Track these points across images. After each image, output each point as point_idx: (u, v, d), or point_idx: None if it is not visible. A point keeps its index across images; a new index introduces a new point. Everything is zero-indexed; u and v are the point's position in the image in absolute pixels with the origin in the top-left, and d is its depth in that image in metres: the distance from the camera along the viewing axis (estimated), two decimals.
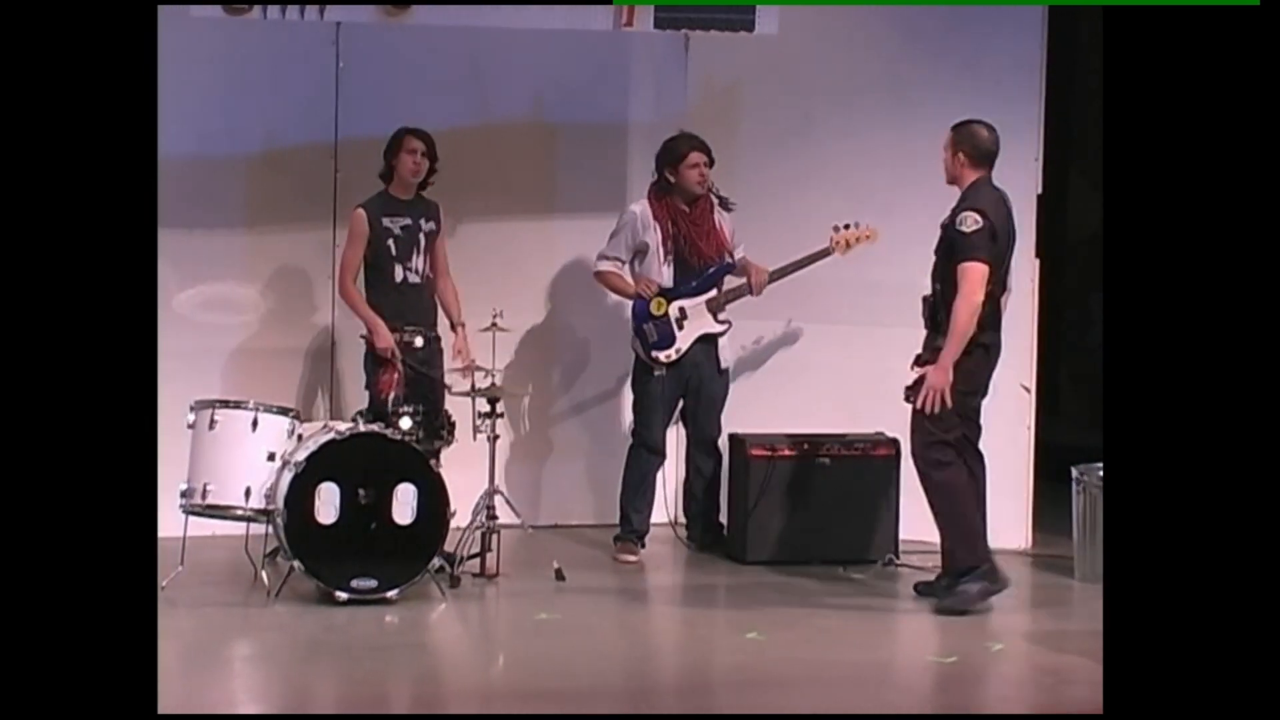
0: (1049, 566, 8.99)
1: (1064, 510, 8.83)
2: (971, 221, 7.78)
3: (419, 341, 8.52)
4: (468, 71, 9.56)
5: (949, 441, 7.90)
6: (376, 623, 7.63)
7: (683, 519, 9.41)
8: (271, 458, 7.92)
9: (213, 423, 7.97)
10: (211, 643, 7.41)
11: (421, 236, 8.59)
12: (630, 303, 9.06)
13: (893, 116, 9.27)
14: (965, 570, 7.92)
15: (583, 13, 8.69)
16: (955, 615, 7.82)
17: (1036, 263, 9.16)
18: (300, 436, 8.02)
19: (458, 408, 8.51)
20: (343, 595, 7.74)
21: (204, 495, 7.93)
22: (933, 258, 8.01)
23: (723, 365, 9.09)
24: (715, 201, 9.07)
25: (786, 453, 8.99)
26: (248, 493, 7.91)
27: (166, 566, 7.35)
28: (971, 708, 6.83)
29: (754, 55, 9.45)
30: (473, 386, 8.39)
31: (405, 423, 7.98)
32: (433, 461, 7.96)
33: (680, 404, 9.13)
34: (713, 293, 9.01)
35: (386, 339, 8.42)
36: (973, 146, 7.94)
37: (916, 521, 8.49)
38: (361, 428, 7.98)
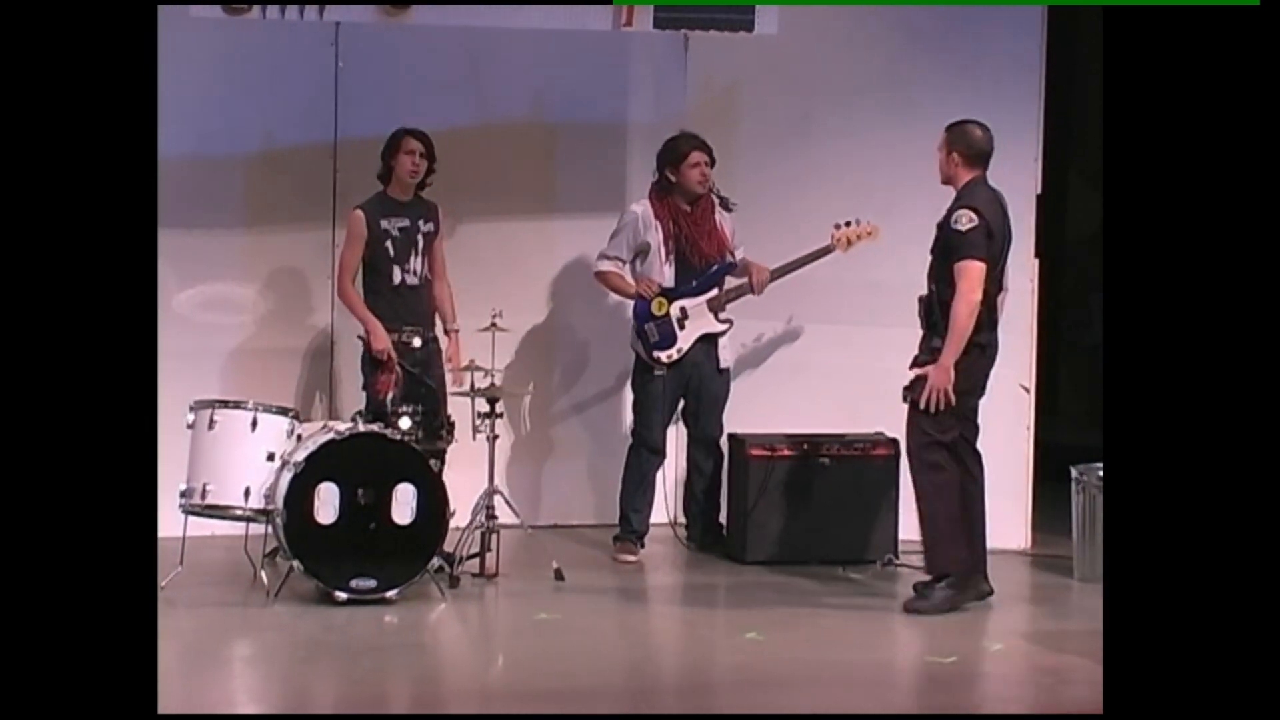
0: (1048, 566, 8.99)
1: (1063, 510, 8.83)
2: (967, 220, 7.78)
3: (416, 342, 8.52)
4: (467, 71, 9.56)
5: (944, 443, 7.90)
6: (376, 623, 7.63)
7: (682, 519, 9.41)
8: (271, 458, 7.92)
9: (212, 423, 7.97)
10: (211, 643, 7.40)
11: (420, 238, 8.59)
12: (631, 302, 9.05)
13: (892, 116, 9.27)
14: (939, 576, 7.92)
15: (582, 13, 8.69)
16: (919, 615, 7.82)
17: (1036, 262, 9.16)
18: (299, 436, 8.02)
19: (457, 408, 8.51)
20: (342, 595, 7.74)
21: (203, 495, 7.93)
22: (930, 258, 8.02)
23: (723, 365, 9.09)
24: (716, 201, 9.07)
25: (786, 453, 8.99)
26: (247, 493, 7.91)
27: (166, 566, 7.35)
28: (971, 708, 6.82)
29: (753, 55, 9.45)
30: (472, 386, 8.39)
31: (405, 423, 7.98)
32: (434, 462, 7.95)
33: (680, 404, 9.12)
34: (714, 292, 9.01)
35: (383, 340, 8.42)
36: (966, 146, 7.93)
37: (916, 522, 8.48)
38: (361, 428, 7.98)
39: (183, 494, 7.93)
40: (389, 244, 8.52)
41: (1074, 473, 8.66)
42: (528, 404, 9.76)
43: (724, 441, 9.19)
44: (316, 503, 7.76)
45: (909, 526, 8.75)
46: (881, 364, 8.65)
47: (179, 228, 8.84)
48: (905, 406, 7.95)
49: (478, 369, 8.40)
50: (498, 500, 8.39)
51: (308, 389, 9.45)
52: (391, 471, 7.84)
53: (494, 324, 8.44)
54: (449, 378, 8.61)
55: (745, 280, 9.01)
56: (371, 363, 8.47)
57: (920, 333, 8.00)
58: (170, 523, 7.48)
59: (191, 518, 7.97)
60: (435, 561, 7.96)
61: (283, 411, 8.09)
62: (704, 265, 8.99)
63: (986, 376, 8.03)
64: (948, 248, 7.83)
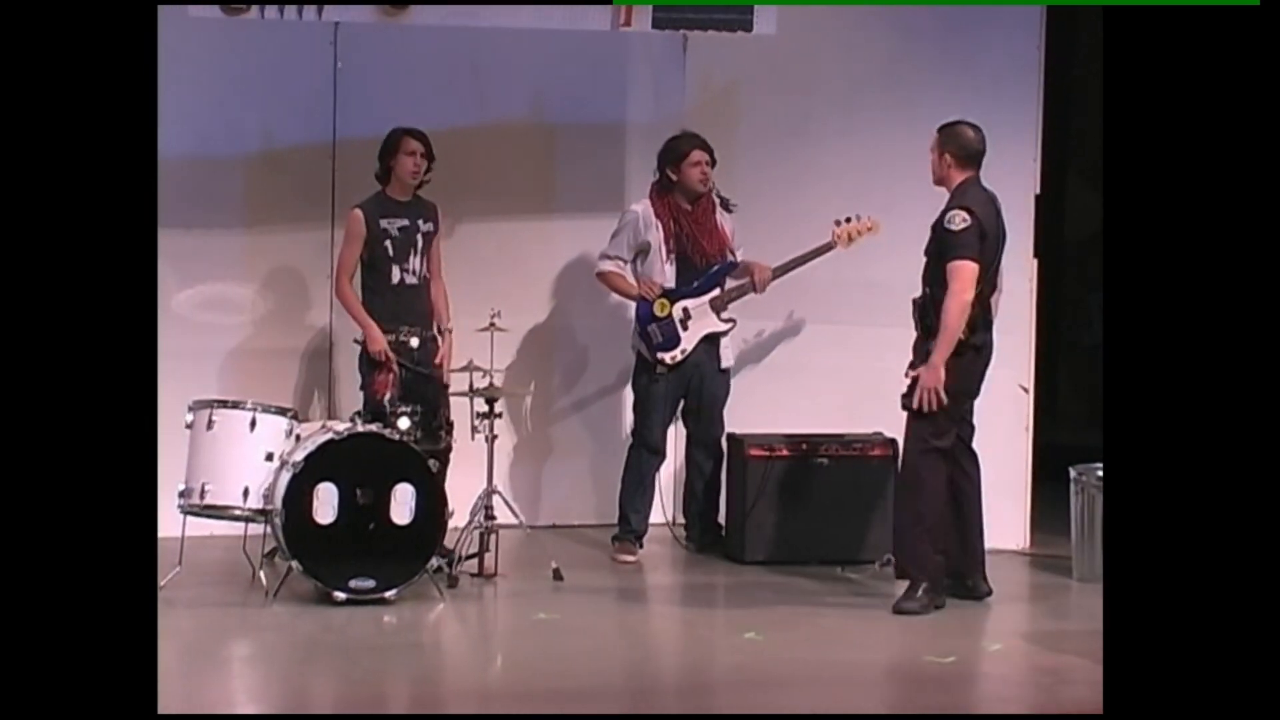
0: (1047, 566, 9.00)
1: (1062, 510, 8.84)
2: (960, 220, 7.78)
3: (414, 342, 8.52)
4: (466, 71, 9.56)
5: (942, 450, 7.90)
6: (375, 623, 7.63)
7: (681, 519, 9.41)
8: (270, 458, 7.92)
9: (211, 423, 7.97)
10: (209, 643, 7.40)
11: (419, 237, 8.59)
12: (633, 303, 9.05)
13: (891, 116, 9.26)
14: (914, 582, 7.93)
15: (581, 13, 8.69)
16: (907, 615, 7.83)
17: (1035, 263, 9.17)
18: (298, 436, 8.02)
19: (456, 408, 8.51)
20: (341, 595, 7.74)
21: (202, 495, 7.93)
22: (924, 259, 8.03)
23: (724, 364, 9.10)
24: (717, 202, 9.07)
25: (785, 453, 9.00)
26: (246, 493, 7.90)
27: (165, 566, 7.34)
28: (970, 708, 6.82)
29: (752, 55, 9.45)
30: (471, 387, 8.39)
31: (403, 423, 7.97)
32: (433, 462, 7.94)
33: (681, 403, 9.12)
34: (716, 292, 9.01)
35: (379, 341, 8.41)
36: (959, 147, 7.94)
37: None
38: (360, 428, 7.97)
39: (181, 494, 7.93)
40: (388, 243, 8.52)
41: (1073, 473, 8.66)
42: (528, 404, 9.76)
43: (724, 441, 9.19)
44: (315, 503, 7.75)
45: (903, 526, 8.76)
46: (880, 364, 8.64)
47: (178, 228, 8.84)
48: (900, 409, 7.96)
49: (477, 369, 8.40)
50: (496, 500, 8.38)
51: (306, 389, 9.45)
52: (390, 472, 7.84)
53: (493, 324, 8.43)
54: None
55: (747, 279, 9.01)
56: (370, 363, 8.47)
57: (916, 334, 8.00)
58: (169, 523, 7.47)
59: (190, 518, 7.97)
60: (434, 561, 7.95)
61: (281, 411, 8.09)
62: (705, 264, 9.00)
63: (982, 377, 8.04)
64: (941, 248, 7.84)
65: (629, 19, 8.71)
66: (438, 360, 8.62)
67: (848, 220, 8.92)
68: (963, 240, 7.76)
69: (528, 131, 9.70)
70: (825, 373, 9.41)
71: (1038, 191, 9.16)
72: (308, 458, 7.78)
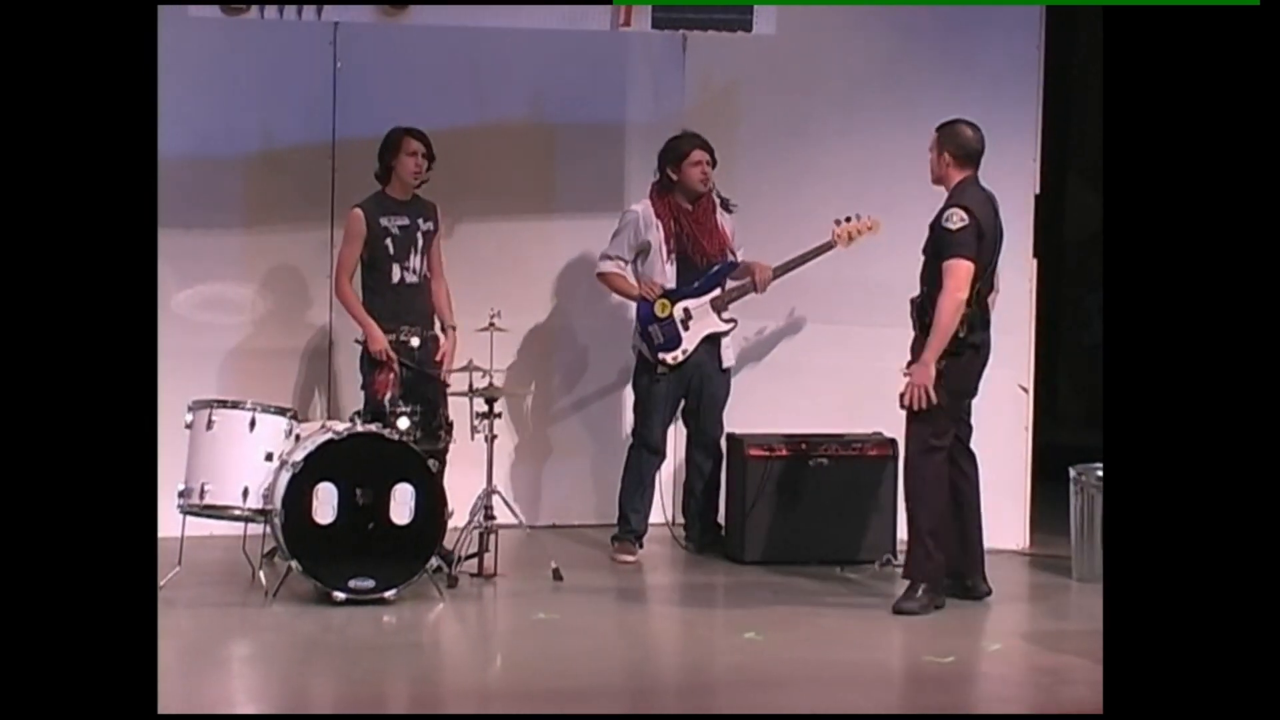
0: (1047, 566, 9.00)
1: (1062, 510, 8.84)
2: (957, 219, 7.78)
3: (415, 341, 8.51)
4: (466, 71, 9.56)
5: (944, 448, 7.90)
6: (374, 623, 7.62)
7: (680, 519, 9.41)
8: (269, 458, 7.92)
9: (210, 423, 7.97)
10: (209, 643, 7.40)
11: (419, 236, 8.59)
12: (633, 303, 9.05)
13: (891, 116, 9.26)
14: (914, 582, 7.93)
15: (581, 13, 8.69)
16: (906, 615, 7.83)
17: (1034, 263, 9.17)
18: (298, 436, 8.02)
19: (456, 408, 8.51)
20: (340, 595, 7.73)
21: (202, 495, 7.92)
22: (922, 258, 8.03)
23: (725, 364, 9.10)
24: (717, 202, 9.07)
25: (784, 453, 8.99)
26: (245, 493, 7.90)
27: (164, 566, 7.33)
28: (969, 708, 6.83)
29: (752, 55, 9.45)
30: (470, 387, 8.39)
31: (403, 423, 7.97)
32: (433, 462, 7.94)
33: (681, 403, 9.12)
34: (716, 292, 9.01)
35: (380, 341, 8.41)
36: (957, 146, 7.94)
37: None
38: (359, 428, 7.97)
39: (181, 494, 7.92)
40: (389, 242, 8.51)
41: (1072, 473, 8.66)
42: (529, 404, 9.76)
43: (723, 441, 9.19)
44: (315, 503, 7.75)
45: (906, 527, 8.76)
46: (880, 364, 8.63)
47: (178, 228, 8.84)
48: (899, 409, 7.95)
49: (476, 369, 8.40)
50: (496, 500, 8.38)
51: (306, 389, 9.45)
52: (390, 472, 7.83)
53: (492, 324, 8.43)
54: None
55: (748, 279, 9.00)
56: (371, 362, 8.46)
57: (914, 334, 8.00)
58: (169, 523, 7.47)
59: (190, 518, 7.97)
60: (434, 561, 7.95)
61: (281, 411, 8.09)
62: (706, 264, 9.00)
63: (980, 376, 8.03)
64: (937, 246, 7.84)
65: (629, 19, 8.71)
66: (439, 358, 8.61)
67: (848, 220, 8.93)
68: (959, 239, 7.76)
69: (528, 131, 9.70)
70: (825, 373, 9.41)
71: (1037, 191, 9.16)
72: (307, 458, 7.78)
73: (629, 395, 9.30)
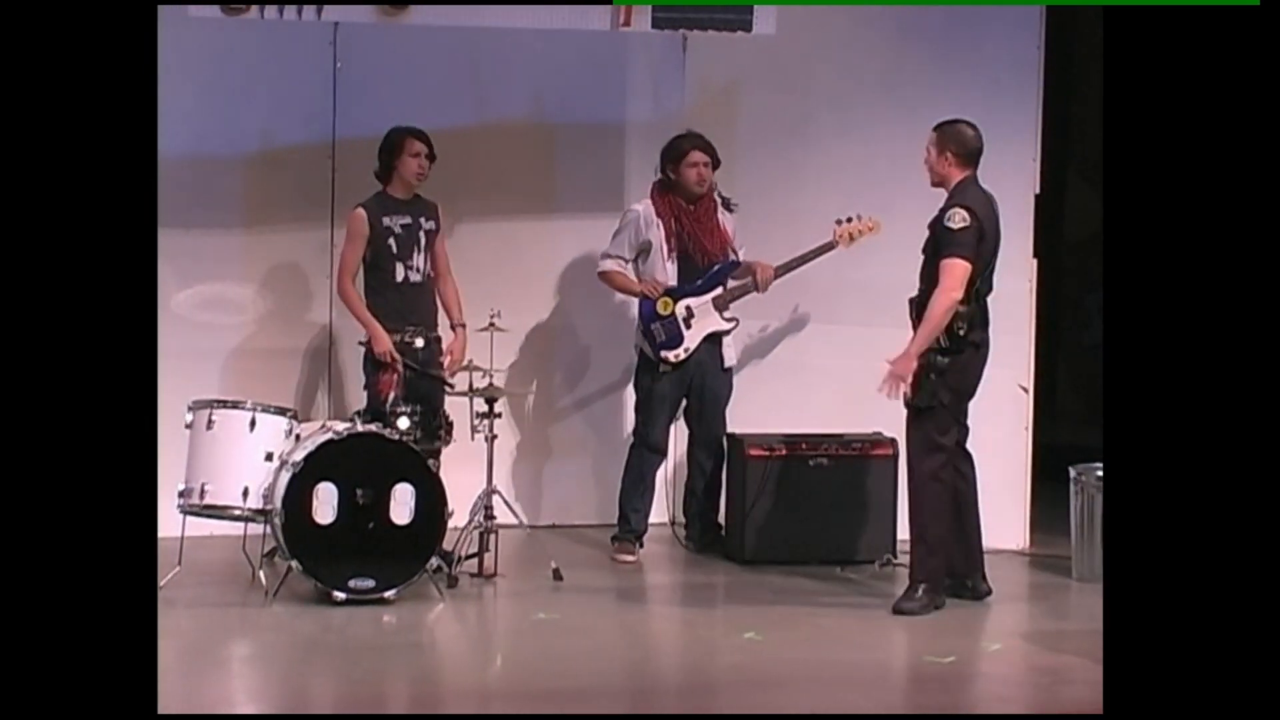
0: (1046, 566, 9.00)
1: (1061, 510, 8.84)
2: (959, 219, 7.78)
3: (419, 342, 8.51)
4: (466, 71, 9.57)
5: (947, 447, 7.90)
6: (374, 623, 7.62)
7: (681, 519, 9.41)
8: (269, 458, 7.92)
9: (210, 423, 7.97)
10: (209, 643, 7.40)
11: (422, 235, 8.58)
12: (636, 302, 9.05)
13: (891, 116, 9.26)
14: (916, 581, 7.93)
15: (581, 13, 8.68)
16: (906, 615, 7.82)
17: (1034, 262, 9.16)
18: (298, 436, 8.02)
19: (456, 408, 8.51)
20: (340, 595, 7.73)
21: (202, 495, 7.92)
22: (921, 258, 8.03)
23: (726, 364, 9.10)
24: (719, 201, 9.07)
25: (784, 452, 8.99)
26: (245, 493, 7.90)
27: (164, 566, 7.33)
28: (969, 708, 6.83)
29: (751, 55, 9.45)
30: (470, 386, 8.39)
31: (403, 423, 7.97)
32: (432, 462, 7.95)
33: (683, 403, 9.12)
34: (718, 291, 9.02)
35: (384, 343, 8.40)
36: (959, 145, 7.93)
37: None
38: (359, 428, 7.97)
39: (181, 494, 7.92)
40: (392, 241, 8.51)
41: (1072, 473, 8.66)
42: (530, 403, 9.76)
43: (725, 441, 9.19)
44: (315, 503, 7.75)
45: (907, 526, 8.75)
46: (880, 364, 8.62)
47: (177, 227, 8.83)
48: (903, 407, 7.95)
49: (476, 369, 8.40)
50: (496, 500, 8.38)
51: (306, 388, 9.44)
52: (390, 471, 7.83)
53: (492, 324, 8.43)
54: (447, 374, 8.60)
55: (749, 279, 9.01)
56: (374, 363, 8.45)
57: (912, 334, 7.99)
58: (169, 523, 7.47)
59: (190, 518, 7.97)
60: (434, 561, 7.95)
61: (281, 411, 8.09)
62: (707, 263, 9.00)
63: (980, 376, 8.02)
64: (937, 244, 7.84)
65: (629, 19, 8.71)
66: (445, 358, 8.59)
67: (849, 220, 8.93)
68: (960, 239, 7.76)
69: (528, 131, 9.70)
70: (825, 373, 9.41)
71: (1037, 191, 9.16)
72: (307, 458, 7.78)
73: (631, 395, 9.30)
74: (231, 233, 9.36)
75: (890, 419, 8.38)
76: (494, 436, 8.37)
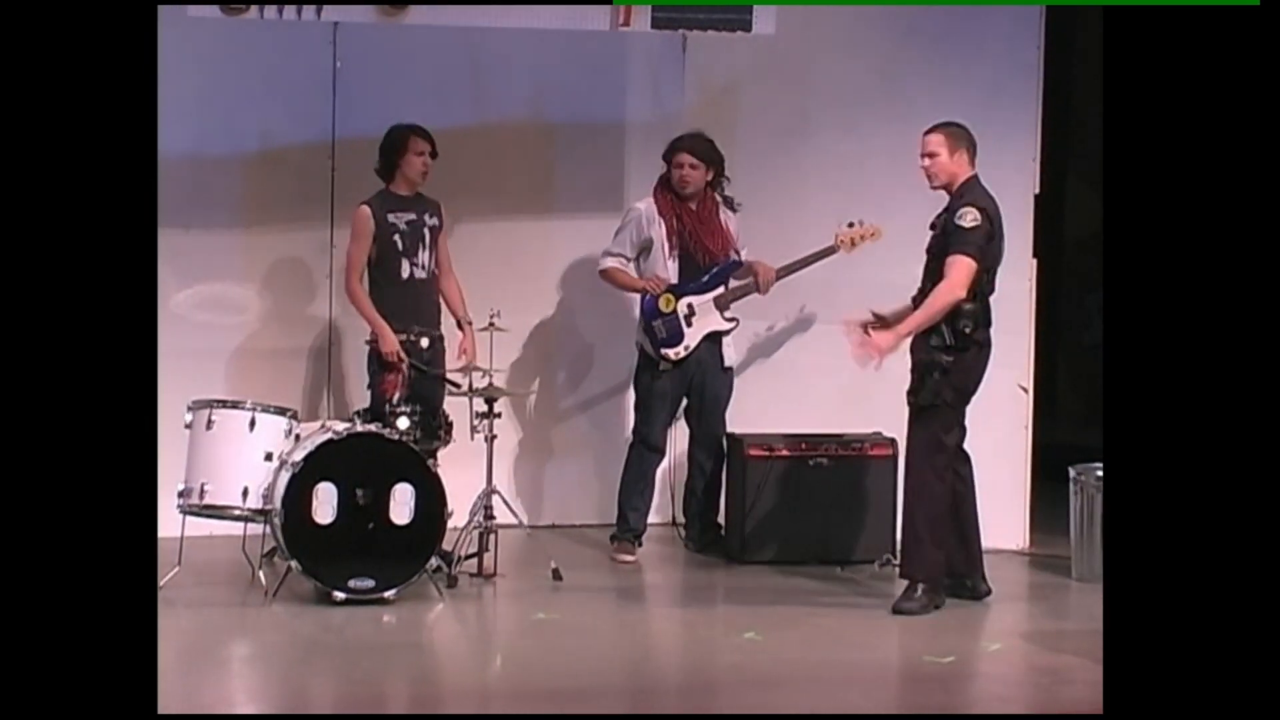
0: (1046, 566, 9.00)
1: (1061, 510, 8.84)
2: (971, 218, 7.78)
3: (424, 342, 8.51)
4: (465, 71, 9.57)
5: (950, 447, 7.89)
6: (374, 623, 7.62)
7: (681, 518, 9.41)
8: (269, 457, 7.92)
9: (210, 422, 7.97)
10: (209, 643, 7.40)
11: (426, 231, 8.58)
12: (638, 301, 9.04)
13: (890, 116, 9.25)
14: (914, 581, 7.92)
15: (580, 12, 8.69)
16: (905, 616, 7.82)
17: (1034, 262, 9.17)
18: (298, 436, 8.02)
19: (456, 408, 8.50)
20: (340, 595, 7.73)
21: (201, 495, 7.92)
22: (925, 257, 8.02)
23: (726, 363, 9.10)
24: (720, 201, 9.07)
25: (784, 452, 9.00)
26: (245, 493, 7.90)
27: (164, 566, 7.33)
28: (969, 707, 6.83)
29: (751, 55, 9.46)
30: (470, 386, 8.39)
31: (403, 423, 7.97)
32: (430, 462, 7.95)
33: (684, 402, 9.12)
34: (720, 290, 9.02)
35: (392, 343, 8.40)
36: (970, 143, 7.94)
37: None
38: (359, 428, 7.97)
39: (181, 494, 7.92)
40: (397, 237, 8.50)
41: (1072, 472, 8.66)
42: (531, 403, 9.76)
43: (725, 441, 9.19)
44: (314, 503, 7.75)
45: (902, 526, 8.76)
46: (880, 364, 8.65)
47: (177, 227, 8.84)
48: (904, 407, 7.96)
49: (476, 369, 8.40)
50: (496, 500, 8.38)
51: (306, 388, 9.44)
52: (390, 471, 7.83)
53: (492, 324, 8.43)
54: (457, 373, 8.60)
55: (750, 279, 9.01)
56: (379, 363, 8.44)
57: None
58: (168, 523, 7.46)
59: (190, 518, 7.97)
60: (433, 561, 7.95)
61: (281, 411, 8.08)
62: (708, 262, 9.00)
63: (982, 376, 8.02)
64: (946, 242, 7.82)
65: (628, 19, 8.71)
66: (460, 351, 8.57)
67: (851, 225, 8.92)
68: (971, 237, 7.76)
69: (527, 131, 9.71)
70: (825, 373, 9.40)
71: (1037, 191, 9.16)
72: (307, 458, 7.77)
73: (632, 394, 9.29)
74: (231, 232, 9.37)
75: (890, 419, 8.39)
76: (494, 436, 8.36)
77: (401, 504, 7.81)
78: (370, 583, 7.77)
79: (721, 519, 9.25)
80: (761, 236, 9.18)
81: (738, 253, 9.07)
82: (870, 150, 9.36)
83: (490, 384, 8.38)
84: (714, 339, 9.03)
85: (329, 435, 7.88)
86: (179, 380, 8.22)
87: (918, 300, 7.96)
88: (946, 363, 7.80)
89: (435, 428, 8.27)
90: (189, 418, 7.98)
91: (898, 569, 8.13)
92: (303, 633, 7.46)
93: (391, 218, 8.51)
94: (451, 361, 8.59)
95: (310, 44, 9.24)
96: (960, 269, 7.74)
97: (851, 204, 9.05)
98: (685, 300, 8.96)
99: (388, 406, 8.09)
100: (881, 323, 8.00)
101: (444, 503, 7.87)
